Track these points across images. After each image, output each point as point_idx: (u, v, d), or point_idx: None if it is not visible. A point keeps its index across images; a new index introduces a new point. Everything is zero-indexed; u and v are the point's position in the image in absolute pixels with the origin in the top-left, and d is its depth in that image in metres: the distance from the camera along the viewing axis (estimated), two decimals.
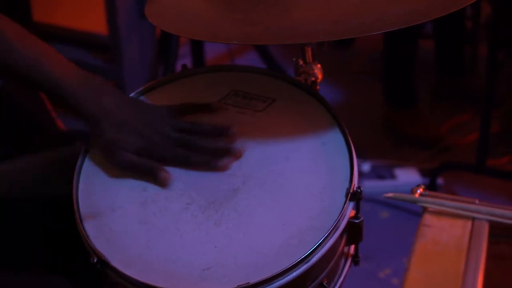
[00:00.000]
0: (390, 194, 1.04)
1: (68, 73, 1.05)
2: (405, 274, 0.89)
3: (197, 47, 2.58)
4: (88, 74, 1.07)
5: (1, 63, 1.03)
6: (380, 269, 2.09)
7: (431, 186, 2.40)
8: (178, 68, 1.23)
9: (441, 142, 2.72)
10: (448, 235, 0.99)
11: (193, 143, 1.06)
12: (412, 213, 2.34)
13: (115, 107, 1.06)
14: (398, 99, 2.81)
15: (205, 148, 1.06)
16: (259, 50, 2.74)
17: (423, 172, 2.50)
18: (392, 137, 2.75)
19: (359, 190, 1.00)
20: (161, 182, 1.03)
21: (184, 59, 2.60)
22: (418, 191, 1.06)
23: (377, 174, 2.49)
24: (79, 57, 2.57)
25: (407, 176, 2.48)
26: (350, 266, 1.09)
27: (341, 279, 1.06)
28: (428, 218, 1.00)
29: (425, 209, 1.03)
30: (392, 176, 2.48)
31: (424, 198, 1.06)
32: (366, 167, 2.47)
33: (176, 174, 1.05)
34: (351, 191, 0.99)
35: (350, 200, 0.99)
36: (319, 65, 1.22)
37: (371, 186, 2.34)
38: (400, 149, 2.69)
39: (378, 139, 2.68)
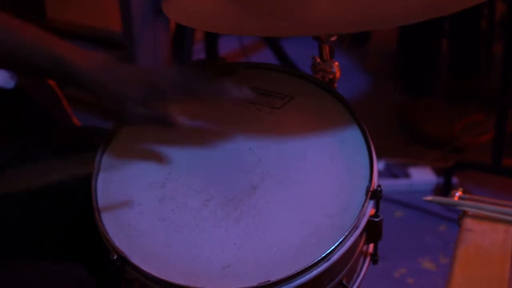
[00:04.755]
0: (429, 198, 1.03)
1: (69, 49, 1.05)
2: (448, 279, 0.88)
3: (211, 44, 2.58)
4: (89, 50, 1.07)
5: (9, 57, 1.05)
6: (395, 268, 2.09)
7: (445, 186, 2.39)
8: None
9: (454, 141, 2.71)
10: (490, 240, 0.97)
11: (200, 79, 1.06)
12: (426, 212, 2.33)
13: (120, 70, 1.06)
14: (416, 87, 2.80)
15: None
16: (272, 47, 2.73)
17: (437, 171, 2.49)
18: (405, 135, 2.74)
19: (379, 189, 0.99)
20: (176, 125, 1.03)
21: (198, 56, 2.61)
22: (457, 194, 1.04)
23: (391, 172, 2.48)
24: None
25: (422, 175, 2.47)
26: (369, 265, 1.08)
27: (360, 277, 1.05)
28: (469, 223, 0.99)
29: (464, 213, 1.01)
30: (406, 175, 2.47)
31: (463, 202, 1.04)
32: (380, 165, 2.45)
33: (194, 170, 1.04)
34: (371, 189, 0.99)
35: (371, 198, 0.99)
36: (336, 63, 1.21)
37: (384, 185, 2.31)
38: (413, 148, 2.68)
39: (391, 137, 2.67)
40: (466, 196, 1.06)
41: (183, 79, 1.05)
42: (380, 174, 2.55)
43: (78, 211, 1.09)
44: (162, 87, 1.04)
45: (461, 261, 0.92)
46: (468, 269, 0.91)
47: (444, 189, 2.38)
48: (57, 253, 1.16)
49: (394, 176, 2.47)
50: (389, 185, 2.37)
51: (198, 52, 2.65)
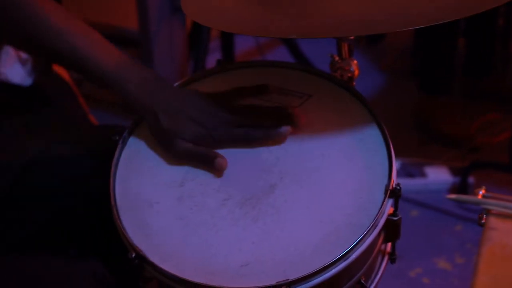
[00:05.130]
0: (452, 196, 1.02)
1: (123, 68, 1.06)
2: (473, 279, 0.87)
3: (227, 42, 2.58)
4: (141, 67, 1.08)
5: (55, 52, 1.06)
6: (411, 268, 2.08)
7: (462, 185, 2.37)
8: (208, 63, 1.23)
9: (471, 140, 2.70)
10: None
11: (250, 121, 1.06)
12: (442, 212, 2.32)
13: (171, 99, 1.06)
14: (433, 85, 2.79)
15: (263, 123, 1.06)
16: (288, 45, 2.73)
17: (453, 171, 2.48)
18: (421, 134, 2.73)
19: (398, 188, 0.99)
20: (218, 169, 1.03)
21: (214, 54, 2.60)
22: (480, 193, 1.03)
23: (407, 172, 2.47)
24: None
25: (438, 175, 2.45)
26: (386, 264, 1.08)
27: (378, 276, 1.05)
28: (492, 221, 0.97)
29: (487, 212, 1.00)
30: (422, 174, 2.46)
31: (488, 200, 1.03)
32: (396, 165, 2.44)
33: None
34: (390, 188, 0.98)
35: (389, 197, 0.98)
36: (355, 61, 1.21)
37: (400, 184, 2.32)
38: (429, 147, 2.67)
39: (407, 136, 2.66)
40: (490, 194, 1.04)
41: (233, 118, 1.06)
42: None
43: (97, 208, 1.09)
44: (217, 134, 1.05)
45: (486, 260, 0.91)
46: (493, 268, 0.90)
47: (461, 189, 2.37)
48: (76, 250, 1.17)
49: (410, 175, 2.46)
50: (405, 184, 2.34)
51: (214, 50, 2.65)
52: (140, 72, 1.07)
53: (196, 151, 1.04)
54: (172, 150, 1.05)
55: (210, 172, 1.04)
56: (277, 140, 1.06)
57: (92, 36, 1.08)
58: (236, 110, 1.07)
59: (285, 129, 1.05)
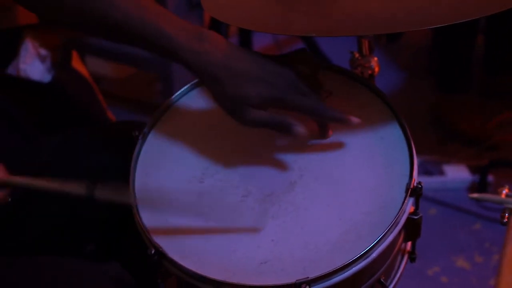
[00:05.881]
0: (475, 195, 1.01)
1: (182, 33, 0.99)
2: (496, 279, 0.86)
3: (245, 39, 2.57)
4: (202, 30, 1.00)
5: (119, 29, 0.99)
6: (429, 266, 2.07)
7: (481, 184, 2.36)
8: None
9: (490, 138, 2.68)
10: None
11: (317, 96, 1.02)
12: (460, 210, 2.31)
13: (233, 60, 0.99)
14: (450, 84, 2.78)
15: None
16: (307, 41, 2.72)
17: (472, 169, 2.46)
18: (439, 132, 2.72)
19: (420, 186, 0.98)
20: (298, 136, 1.00)
21: None
22: (504, 192, 1.03)
23: (425, 170, 2.45)
24: (127, 49, 2.58)
25: (456, 173, 2.44)
26: (406, 263, 1.07)
27: (398, 275, 1.04)
28: None
29: (511, 211, 0.99)
30: (441, 172, 2.45)
31: (511, 199, 1.02)
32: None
33: (232, 166, 1.04)
34: (412, 186, 0.97)
35: (410, 195, 0.97)
36: (375, 58, 1.20)
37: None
38: (447, 145, 2.66)
39: (425, 134, 2.65)
40: None
41: (304, 87, 1.01)
42: None
43: (116, 210, 1.08)
44: (288, 98, 1.00)
45: (510, 259, 0.90)
46: None
47: (480, 187, 2.35)
48: (94, 247, 1.17)
49: (428, 173, 2.44)
50: (423, 182, 2.34)
51: None
52: (200, 32, 1.00)
53: (272, 119, 0.99)
54: (243, 119, 0.99)
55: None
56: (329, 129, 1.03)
57: (157, 9, 1.01)
58: (302, 78, 1.02)
59: (355, 119, 1.01)
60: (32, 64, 1.41)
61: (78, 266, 1.08)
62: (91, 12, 0.97)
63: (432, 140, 2.65)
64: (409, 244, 1.08)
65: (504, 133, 2.71)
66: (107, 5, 0.97)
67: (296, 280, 0.88)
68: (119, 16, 0.97)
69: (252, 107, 0.99)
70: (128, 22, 0.97)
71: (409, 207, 0.98)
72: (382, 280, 0.98)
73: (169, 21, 0.99)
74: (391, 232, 0.93)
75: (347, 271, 0.90)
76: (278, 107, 1.00)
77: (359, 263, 0.90)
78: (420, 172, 2.42)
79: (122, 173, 1.03)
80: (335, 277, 0.89)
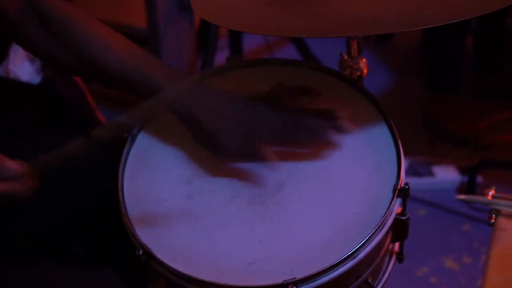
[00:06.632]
0: (461, 196, 1.02)
1: (168, 79, 1.04)
2: (483, 279, 0.87)
3: (235, 40, 2.57)
4: (182, 75, 1.07)
5: (113, 76, 1.07)
6: (418, 267, 2.07)
7: (470, 184, 2.36)
8: (217, 61, 1.22)
9: (480, 139, 2.69)
10: None
11: (296, 123, 1.04)
12: (449, 211, 2.31)
13: (214, 103, 1.04)
14: (441, 84, 2.79)
15: (313, 126, 1.05)
16: (297, 43, 2.72)
17: (462, 170, 2.47)
18: (429, 132, 2.72)
19: (407, 187, 0.98)
20: (272, 167, 1.02)
21: (222, 52, 2.60)
22: (490, 193, 1.03)
23: (414, 171, 2.46)
24: None
25: (446, 174, 2.44)
26: (394, 264, 1.07)
27: (386, 276, 1.05)
28: (502, 222, 0.97)
29: (498, 212, 1.00)
30: (430, 173, 2.45)
31: (498, 201, 1.02)
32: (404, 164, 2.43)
33: (220, 166, 1.04)
34: (399, 187, 0.98)
35: (398, 196, 0.98)
36: (364, 60, 1.21)
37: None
38: (437, 146, 2.66)
39: (415, 135, 2.65)
40: (500, 194, 1.04)
41: (281, 117, 1.04)
42: None
43: (108, 206, 1.08)
44: (259, 126, 1.03)
45: (496, 260, 0.91)
46: (504, 268, 0.90)
47: (469, 188, 2.36)
48: (88, 257, 1.16)
49: (418, 174, 2.45)
50: (412, 183, 2.33)
51: (222, 48, 2.64)
52: (181, 80, 1.06)
53: (246, 153, 1.03)
54: (219, 153, 1.03)
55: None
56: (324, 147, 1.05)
57: (142, 55, 1.08)
58: (282, 111, 1.05)
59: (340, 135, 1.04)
60: (22, 66, 1.40)
61: (72, 272, 1.08)
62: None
63: (423, 140, 2.66)
64: (397, 244, 1.08)
65: (495, 133, 2.72)
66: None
67: (283, 281, 0.88)
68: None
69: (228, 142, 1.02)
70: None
71: (397, 208, 0.98)
72: (369, 280, 0.99)
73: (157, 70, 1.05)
74: (378, 233, 0.94)
75: (334, 272, 0.90)
76: (251, 142, 1.03)
77: (346, 264, 0.91)
78: (409, 174, 2.45)
79: (111, 174, 1.03)
80: (322, 278, 0.90)
